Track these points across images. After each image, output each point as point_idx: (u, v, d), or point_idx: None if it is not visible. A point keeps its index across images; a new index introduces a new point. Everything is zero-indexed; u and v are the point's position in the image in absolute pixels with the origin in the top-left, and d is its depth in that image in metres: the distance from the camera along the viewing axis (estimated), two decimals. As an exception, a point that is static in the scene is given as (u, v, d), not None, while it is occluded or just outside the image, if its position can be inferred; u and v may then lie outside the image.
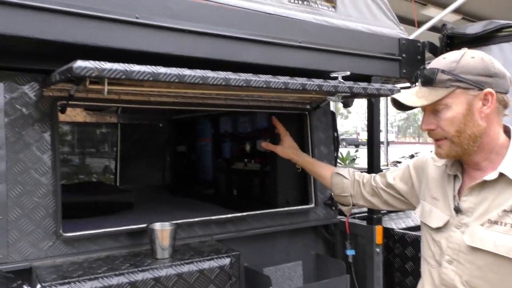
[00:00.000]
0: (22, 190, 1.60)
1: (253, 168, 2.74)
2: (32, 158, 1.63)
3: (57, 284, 1.41)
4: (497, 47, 2.17)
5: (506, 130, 1.28)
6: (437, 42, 2.44)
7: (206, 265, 1.66)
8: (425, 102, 1.21)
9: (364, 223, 2.34)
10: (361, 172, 1.76)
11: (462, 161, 1.31)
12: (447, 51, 2.32)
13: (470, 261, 1.20)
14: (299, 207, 2.33)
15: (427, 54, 2.41)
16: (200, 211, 2.30)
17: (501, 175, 1.18)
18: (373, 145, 2.29)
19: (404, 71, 2.31)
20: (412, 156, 12.31)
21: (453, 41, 2.32)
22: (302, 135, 2.39)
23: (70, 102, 1.66)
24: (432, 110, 1.24)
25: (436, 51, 2.36)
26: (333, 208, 2.38)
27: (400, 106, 1.30)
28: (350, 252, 2.26)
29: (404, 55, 2.30)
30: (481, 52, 1.24)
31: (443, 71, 1.21)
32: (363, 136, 25.30)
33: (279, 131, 2.02)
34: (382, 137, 17.79)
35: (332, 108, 2.85)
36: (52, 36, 1.42)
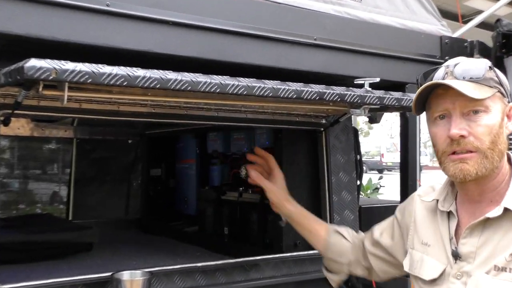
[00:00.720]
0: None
1: (250, 200, 2.74)
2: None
3: None
4: None
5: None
6: (488, 42, 2.47)
7: None
8: (479, 96, 1.22)
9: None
10: (360, 231, 1.77)
11: (461, 190, 1.33)
12: (502, 53, 2.36)
13: None
14: (311, 251, 2.29)
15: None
16: (180, 256, 2.30)
17: (506, 210, 1.21)
18: (407, 171, 2.32)
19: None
20: (452, 185, 12.38)
21: (510, 40, 2.36)
22: (315, 159, 2.42)
23: (16, 112, 1.65)
24: (466, 112, 1.25)
25: (489, 53, 2.40)
26: None
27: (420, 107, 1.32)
28: None
29: (447, 57, 2.33)
30: None
31: (490, 67, 1.27)
32: (389, 159, 25.43)
33: (268, 163, 1.85)
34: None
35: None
36: (-2, 27, 1.43)
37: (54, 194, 3.76)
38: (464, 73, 1.25)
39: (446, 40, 2.36)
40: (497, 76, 1.28)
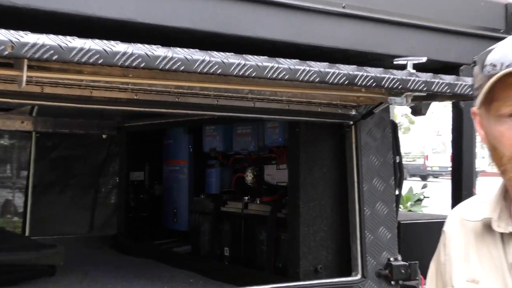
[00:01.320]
0: None
1: (259, 212, 2.79)
2: None
3: None
4: None
5: None
6: None
7: None
8: None
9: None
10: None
11: None
12: None
13: None
14: (335, 279, 2.37)
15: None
16: (169, 284, 2.35)
17: None
18: (461, 178, 2.35)
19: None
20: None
21: None
22: (342, 161, 2.46)
23: None
24: None
25: None
26: (393, 282, 2.41)
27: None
28: None
29: None
30: None
31: None
32: (435, 162, 25.45)
33: None
34: (466, 165, 18.04)
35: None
36: None
37: (6, 203, 3.83)
38: None
39: None
40: None
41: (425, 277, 2.53)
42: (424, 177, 23.23)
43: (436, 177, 22.91)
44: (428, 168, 25.29)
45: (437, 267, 1.60)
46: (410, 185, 11.06)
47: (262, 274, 2.50)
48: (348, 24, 2.04)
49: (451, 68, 2.27)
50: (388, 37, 2.12)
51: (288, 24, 1.94)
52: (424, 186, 11.33)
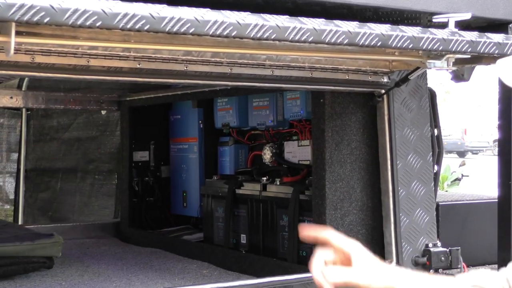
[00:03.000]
0: None
1: (279, 195, 2.81)
2: None
3: None
4: None
5: None
6: None
7: None
8: None
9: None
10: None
11: None
12: None
13: None
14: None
15: None
16: (179, 275, 2.37)
17: None
18: (510, 154, 2.32)
19: None
20: None
21: None
22: (373, 135, 2.47)
23: None
24: None
25: None
26: (432, 270, 2.44)
27: None
28: None
29: None
30: None
31: None
32: (474, 137, 25.45)
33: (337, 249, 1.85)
34: None
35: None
36: None
37: None
38: None
39: None
40: None
41: (467, 265, 2.53)
42: (461, 154, 23.23)
43: (476, 154, 22.87)
44: (467, 144, 25.30)
45: None
46: (447, 162, 11.10)
47: (283, 264, 2.52)
48: None
49: (499, 26, 2.27)
50: None
51: None
52: (462, 164, 11.35)
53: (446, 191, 8.85)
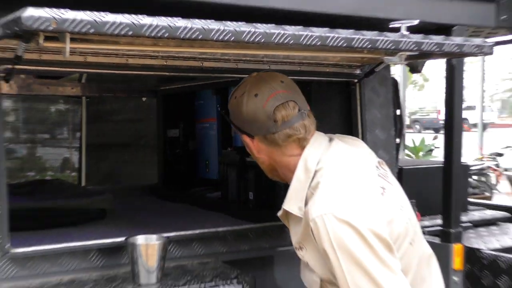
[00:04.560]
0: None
1: None
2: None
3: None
4: None
5: None
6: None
7: None
8: None
9: (437, 240, 2.42)
10: None
11: None
12: None
13: None
14: None
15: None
16: (200, 222, 2.40)
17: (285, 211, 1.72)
18: (452, 129, 2.36)
19: (504, 17, 2.37)
20: (520, 145, 12.18)
21: None
22: (348, 114, 2.49)
23: (17, 67, 1.76)
24: None
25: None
26: None
27: None
28: None
29: None
30: None
31: None
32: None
33: None
34: (476, 117, 17.64)
35: (398, 74, 2.91)
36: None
37: (65, 161, 3.93)
38: None
39: None
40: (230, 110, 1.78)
41: (422, 214, 2.59)
42: (437, 130, 22.93)
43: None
44: (441, 122, 24.96)
45: None
46: (423, 136, 11.02)
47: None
48: None
49: (444, 29, 2.26)
50: (387, 3, 2.13)
51: None
52: (435, 138, 11.28)
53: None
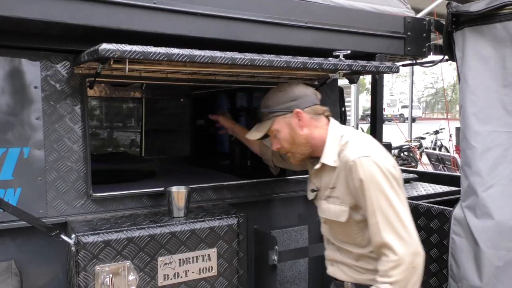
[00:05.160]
0: (57, 155, 1.85)
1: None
2: (65, 128, 1.86)
3: (89, 234, 1.67)
4: (501, 25, 2.22)
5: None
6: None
7: (216, 223, 1.87)
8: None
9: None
10: None
11: None
12: (452, 29, 2.39)
13: (330, 222, 1.68)
14: (307, 175, 2.46)
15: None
16: (215, 179, 2.46)
17: (323, 164, 1.66)
18: (376, 121, 2.41)
19: (408, 48, 2.39)
20: (436, 132, 12.15)
21: (458, 19, 2.37)
22: None
23: (97, 79, 1.88)
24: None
25: (441, 29, 2.43)
26: None
27: None
28: None
29: (409, 33, 2.38)
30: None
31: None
32: (389, 112, 24.83)
33: (215, 118, 2.35)
34: (407, 113, 17.48)
35: (354, 85, 2.92)
36: (80, 21, 1.62)
37: (132, 141, 3.99)
38: (262, 112, 1.79)
39: (409, 20, 2.39)
40: (270, 106, 1.75)
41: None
42: (389, 120, 22.76)
43: (390, 121, 22.45)
44: (385, 116, 24.76)
45: None
46: (368, 126, 10.93)
47: (268, 173, 2.50)
48: (308, 32, 2.09)
49: (371, 55, 2.30)
50: (332, 39, 2.15)
51: (274, 33, 2.01)
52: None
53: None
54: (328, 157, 1.60)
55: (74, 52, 1.82)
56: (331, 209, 1.61)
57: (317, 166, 1.65)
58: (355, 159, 1.49)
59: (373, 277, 1.51)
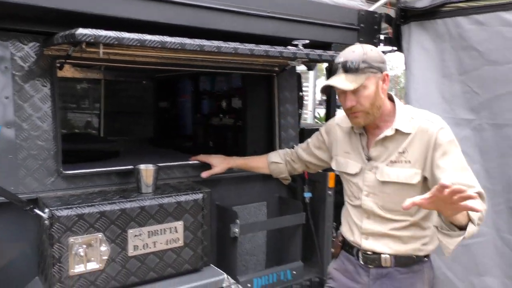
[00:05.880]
0: (27, 134, 1.90)
1: (227, 123, 3.04)
2: (35, 108, 1.91)
3: (63, 208, 1.77)
4: (442, 21, 2.50)
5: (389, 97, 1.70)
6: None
7: (182, 198, 2.00)
8: (353, 86, 1.58)
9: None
10: (291, 148, 2.15)
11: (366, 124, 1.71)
12: (400, 22, 2.64)
13: (382, 191, 1.67)
14: (266, 155, 2.61)
15: (384, 25, 2.72)
16: (179, 158, 2.50)
17: (396, 130, 1.64)
18: (330, 105, 2.62)
19: (361, 39, 2.59)
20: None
21: (406, 13, 2.62)
22: (270, 94, 2.65)
23: (67, 61, 1.93)
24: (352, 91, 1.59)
25: (391, 22, 2.67)
26: None
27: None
28: (307, 195, 2.63)
29: (362, 25, 2.58)
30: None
31: (363, 60, 1.59)
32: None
33: (203, 161, 2.23)
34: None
35: (314, 71, 3.04)
36: (53, 4, 1.68)
37: (87, 123, 3.91)
38: (351, 67, 1.58)
39: (362, 13, 2.58)
40: (371, 61, 1.58)
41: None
42: (338, 107, 23.16)
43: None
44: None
45: (317, 144, 1.96)
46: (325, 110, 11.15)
47: (229, 153, 2.51)
48: (270, 22, 2.22)
49: (327, 45, 2.45)
50: (292, 29, 2.28)
51: (238, 22, 2.12)
52: (335, 111, 11.47)
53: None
54: (402, 124, 1.61)
55: (44, 34, 1.87)
56: (400, 172, 1.60)
57: (389, 132, 1.62)
58: (439, 129, 1.58)
59: (416, 246, 1.60)
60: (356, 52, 1.60)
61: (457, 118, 2.36)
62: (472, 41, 2.33)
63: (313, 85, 8.79)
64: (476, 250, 2.31)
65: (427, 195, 1.27)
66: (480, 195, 1.46)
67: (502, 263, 2.28)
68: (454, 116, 2.38)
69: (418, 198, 1.28)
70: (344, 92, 1.61)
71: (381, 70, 1.60)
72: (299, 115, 2.82)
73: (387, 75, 1.61)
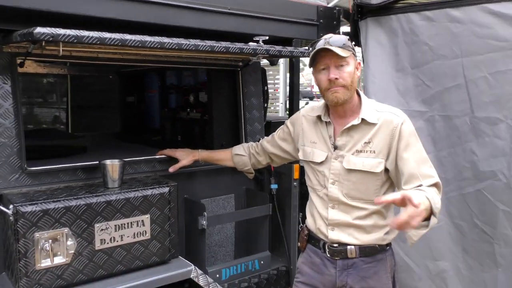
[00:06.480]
0: (-11, 132, 1.89)
1: (194, 117, 3.07)
2: (-4, 105, 1.90)
3: (27, 204, 1.79)
4: (395, 17, 2.61)
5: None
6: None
7: (149, 192, 2.04)
8: (344, 54, 1.65)
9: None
10: (255, 142, 2.20)
11: (333, 110, 1.80)
12: (358, 18, 2.74)
13: (347, 179, 1.74)
14: (231, 148, 2.67)
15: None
16: (146, 153, 2.52)
17: (362, 120, 1.71)
18: (293, 97, 2.70)
19: (321, 34, 2.60)
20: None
21: (362, 9, 2.72)
22: (235, 89, 2.69)
23: (28, 58, 1.93)
24: (337, 66, 1.68)
25: (348, 17, 2.77)
26: None
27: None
28: (274, 186, 2.70)
29: (321, 20, 2.65)
30: None
31: (349, 39, 1.73)
32: (317, 89, 25.65)
33: (169, 155, 2.27)
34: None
35: (284, 65, 3.08)
36: (11, 3, 1.68)
37: (55, 118, 3.86)
38: (335, 42, 1.67)
39: (321, 9, 2.64)
40: (351, 45, 1.72)
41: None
42: (311, 98, 23.48)
43: (319, 98, 23.26)
44: (313, 93, 25.49)
45: (282, 136, 2.01)
46: (300, 102, 11.38)
47: (197, 147, 2.51)
48: (231, 18, 2.25)
49: (288, 40, 2.51)
50: (252, 25, 2.32)
51: (199, 18, 2.14)
52: (307, 103, 11.74)
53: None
54: (368, 115, 1.69)
55: (2, 31, 1.85)
56: (365, 161, 1.67)
57: (356, 122, 1.69)
58: (402, 121, 1.67)
59: (379, 236, 1.67)
60: (338, 35, 1.73)
61: (411, 110, 2.48)
62: (423, 36, 2.45)
63: (283, 77, 8.88)
64: (431, 235, 2.44)
65: (398, 195, 1.40)
66: (436, 185, 1.58)
67: (455, 247, 2.38)
68: (408, 108, 2.51)
69: (390, 197, 1.42)
70: (327, 68, 1.67)
71: (356, 57, 1.71)
72: (265, 109, 2.88)
73: (359, 63, 1.71)
